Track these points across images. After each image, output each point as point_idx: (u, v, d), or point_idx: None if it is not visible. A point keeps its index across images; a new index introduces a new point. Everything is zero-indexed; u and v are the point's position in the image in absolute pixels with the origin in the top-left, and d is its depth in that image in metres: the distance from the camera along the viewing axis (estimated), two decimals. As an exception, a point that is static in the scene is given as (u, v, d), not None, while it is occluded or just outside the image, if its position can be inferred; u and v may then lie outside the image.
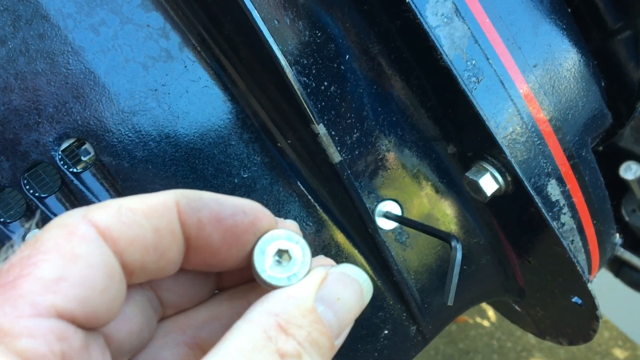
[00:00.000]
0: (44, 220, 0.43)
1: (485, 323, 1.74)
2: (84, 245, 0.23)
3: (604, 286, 0.94)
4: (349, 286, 0.27)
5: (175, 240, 0.26)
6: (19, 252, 0.23)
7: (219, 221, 0.27)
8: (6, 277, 0.22)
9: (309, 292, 0.26)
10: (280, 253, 0.28)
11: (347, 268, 0.28)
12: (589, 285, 0.48)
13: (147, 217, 0.25)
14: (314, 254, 0.49)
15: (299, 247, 0.28)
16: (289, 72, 0.42)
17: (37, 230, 0.40)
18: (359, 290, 0.28)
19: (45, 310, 0.22)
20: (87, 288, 0.23)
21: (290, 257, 0.28)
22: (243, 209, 0.27)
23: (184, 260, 0.27)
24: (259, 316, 0.25)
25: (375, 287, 0.52)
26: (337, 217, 0.50)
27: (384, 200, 0.50)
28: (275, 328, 0.24)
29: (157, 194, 0.26)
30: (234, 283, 0.31)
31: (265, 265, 0.27)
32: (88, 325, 0.23)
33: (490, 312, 1.76)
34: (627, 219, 0.82)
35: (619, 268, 0.89)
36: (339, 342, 0.27)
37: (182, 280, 0.29)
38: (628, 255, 0.86)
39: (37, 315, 0.21)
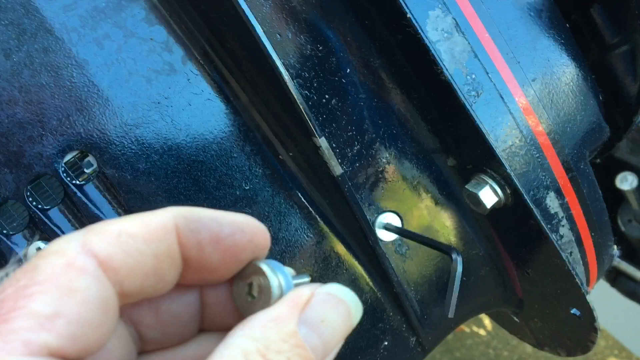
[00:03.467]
0: (48, 232, 0.43)
1: (482, 332, 1.74)
2: (81, 279, 0.23)
3: (601, 295, 0.94)
4: (335, 307, 0.27)
5: (174, 263, 0.26)
6: (15, 281, 0.22)
7: (218, 242, 0.26)
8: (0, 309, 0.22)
9: (292, 314, 0.26)
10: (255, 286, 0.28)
11: (334, 288, 0.27)
12: (587, 297, 0.49)
13: (147, 243, 0.25)
14: (316, 265, 0.50)
15: (276, 280, 0.27)
16: (291, 86, 0.42)
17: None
18: (345, 311, 0.27)
19: (37, 349, 0.21)
20: (82, 325, 0.22)
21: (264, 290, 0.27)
22: (241, 227, 0.27)
23: (181, 278, 0.27)
24: (239, 341, 0.24)
25: (375, 299, 0.52)
26: (338, 229, 0.50)
27: (384, 212, 0.50)
28: (254, 353, 0.24)
29: (155, 214, 0.26)
30: (222, 326, 0.30)
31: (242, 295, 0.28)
32: (77, 359, 0.23)
33: (487, 321, 1.76)
34: (623, 229, 0.83)
35: (616, 278, 0.90)
36: None
37: (165, 319, 0.28)
38: (624, 265, 0.86)
39: (29, 354, 0.21)
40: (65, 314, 0.22)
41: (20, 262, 0.24)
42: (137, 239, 0.24)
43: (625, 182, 0.77)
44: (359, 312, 0.28)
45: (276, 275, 0.27)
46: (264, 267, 0.28)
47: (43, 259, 0.23)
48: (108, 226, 0.24)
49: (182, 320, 0.29)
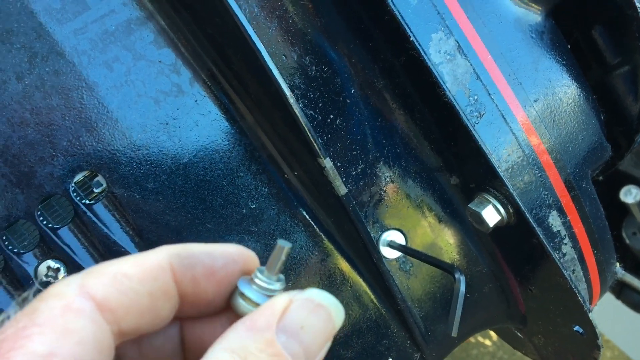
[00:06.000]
0: (58, 251, 0.44)
1: (487, 342, 1.74)
2: (77, 320, 0.24)
3: (607, 307, 0.94)
4: (314, 312, 0.27)
5: (169, 299, 0.27)
6: (15, 323, 0.24)
7: (212, 274, 0.28)
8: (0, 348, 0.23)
9: (269, 323, 0.25)
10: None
11: (313, 293, 0.27)
12: (590, 315, 0.49)
13: (142, 282, 0.26)
14: (320, 282, 0.50)
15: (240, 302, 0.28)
16: (296, 107, 0.43)
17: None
18: (325, 315, 0.27)
19: None
20: None
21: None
22: (233, 257, 0.28)
23: (179, 312, 0.28)
24: (218, 355, 0.25)
25: (380, 315, 0.53)
26: (343, 247, 0.51)
27: (388, 229, 0.51)
28: None
29: (150, 254, 0.27)
30: None
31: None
32: None
33: (492, 332, 1.76)
34: (627, 241, 0.83)
35: (621, 290, 0.89)
36: None
37: (148, 352, 0.29)
38: (629, 278, 0.86)
39: None
40: (60, 354, 0.23)
41: (21, 304, 0.25)
42: (132, 279, 0.25)
43: (629, 195, 0.77)
44: (341, 314, 0.28)
45: (241, 295, 0.28)
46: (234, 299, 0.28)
47: (43, 301, 0.24)
48: (105, 268, 0.25)
49: (164, 353, 0.29)
